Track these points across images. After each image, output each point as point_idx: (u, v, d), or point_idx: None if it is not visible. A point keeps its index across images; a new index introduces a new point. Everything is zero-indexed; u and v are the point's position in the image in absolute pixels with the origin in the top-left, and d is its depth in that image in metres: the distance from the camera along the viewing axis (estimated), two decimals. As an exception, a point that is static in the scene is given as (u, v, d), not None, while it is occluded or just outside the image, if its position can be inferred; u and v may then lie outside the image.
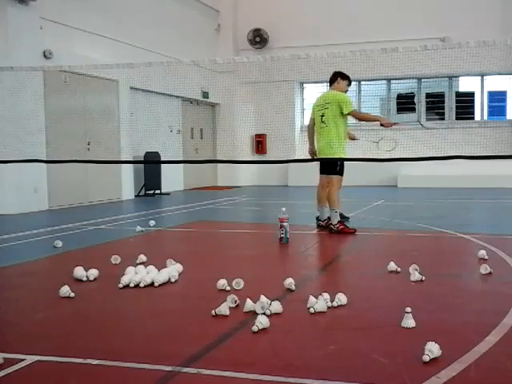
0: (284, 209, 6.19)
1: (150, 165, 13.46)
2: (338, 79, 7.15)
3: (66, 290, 3.95)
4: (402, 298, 3.84)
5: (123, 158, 11.76)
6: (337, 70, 7.32)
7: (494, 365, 2.65)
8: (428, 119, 17.15)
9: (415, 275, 4.27)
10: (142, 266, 4.60)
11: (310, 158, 7.40)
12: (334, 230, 6.93)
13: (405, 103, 17.33)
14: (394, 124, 7.06)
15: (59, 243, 6.11)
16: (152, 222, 7.87)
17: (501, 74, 16.16)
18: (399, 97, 17.46)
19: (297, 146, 17.09)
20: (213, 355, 2.81)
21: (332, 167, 7.04)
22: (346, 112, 6.84)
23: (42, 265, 5.44)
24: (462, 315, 3.49)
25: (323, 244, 6.60)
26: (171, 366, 2.63)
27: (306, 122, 17.57)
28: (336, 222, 6.94)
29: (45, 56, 10.34)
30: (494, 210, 10.32)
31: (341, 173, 7.10)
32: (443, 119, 17.03)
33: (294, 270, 4.95)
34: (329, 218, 7.19)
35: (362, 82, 17.38)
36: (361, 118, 7.32)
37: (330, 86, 7.24)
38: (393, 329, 3.14)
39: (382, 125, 6.92)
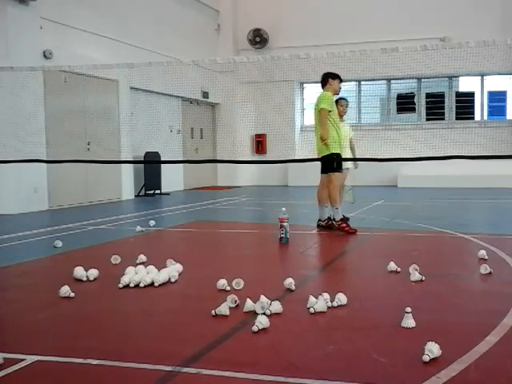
0: (284, 209, 6.19)
1: (150, 165, 13.46)
2: (330, 80, 7.14)
3: (65, 290, 3.95)
4: (402, 297, 3.84)
5: (123, 158, 11.75)
6: (325, 72, 7.31)
7: (494, 365, 2.65)
8: (428, 119, 17.15)
9: (415, 275, 4.27)
10: (141, 266, 4.60)
11: (309, 158, 7.42)
12: (335, 227, 6.95)
13: (405, 103, 17.33)
14: (324, 142, 6.82)
15: (59, 243, 6.11)
16: (152, 222, 7.87)
17: (501, 74, 16.16)
18: (399, 97, 17.45)
19: (297, 146, 17.09)
20: (213, 355, 2.81)
21: (329, 165, 7.03)
22: (317, 109, 6.89)
23: (42, 265, 5.44)
24: (461, 315, 3.49)
25: (323, 244, 6.60)
26: (171, 365, 2.63)
27: (306, 122, 17.71)
28: (338, 219, 6.96)
29: (45, 56, 10.34)
30: (493, 210, 10.32)
31: (339, 169, 7.09)
32: (443, 119, 17.03)
33: (294, 270, 4.94)
34: (329, 219, 7.20)
35: (362, 82, 17.37)
36: (321, 118, 6.93)
37: (322, 88, 7.22)
38: (393, 329, 3.14)
39: (321, 137, 6.84)
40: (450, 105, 16.98)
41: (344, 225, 6.92)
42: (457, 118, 16.88)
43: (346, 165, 7.82)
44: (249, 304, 3.47)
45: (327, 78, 7.18)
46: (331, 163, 7.00)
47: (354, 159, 7.87)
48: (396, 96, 17.46)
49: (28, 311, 3.73)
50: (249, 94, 16.96)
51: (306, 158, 9.32)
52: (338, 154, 6.96)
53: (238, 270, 4.77)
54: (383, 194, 13.11)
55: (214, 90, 16.23)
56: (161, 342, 3.02)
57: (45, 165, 10.01)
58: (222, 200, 12.34)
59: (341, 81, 7.24)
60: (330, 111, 6.91)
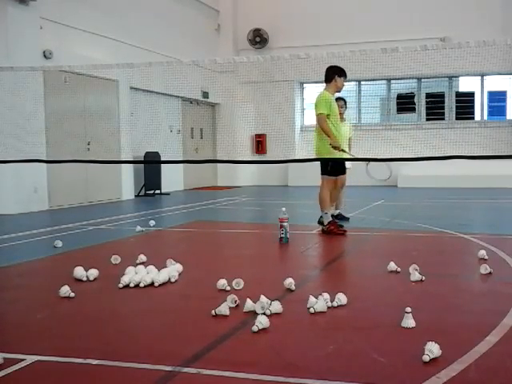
0: (284, 209, 6.19)
1: (150, 165, 13.46)
2: (336, 77, 6.79)
3: (65, 290, 3.95)
4: (402, 297, 3.85)
5: (123, 158, 11.75)
6: (331, 65, 6.91)
7: (494, 365, 2.65)
8: (428, 119, 17.15)
9: (415, 275, 4.27)
10: (141, 266, 4.60)
11: (309, 158, 7.40)
12: (325, 231, 6.86)
13: (405, 103, 17.33)
14: (340, 149, 6.64)
15: (59, 243, 6.11)
16: (152, 222, 7.87)
17: (501, 74, 16.16)
18: (399, 97, 17.45)
19: (297, 146, 17.08)
20: (213, 355, 2.81)
21: (323, 168, 6.93)
22: (316, 113, 6.70)
23: (42, 265, 5.44)
24: (462, 315, 3.49)
25: (323, 244, 6.60)
26: (171, 366, 2.63)
27: (306, 122, 17.71)
28: (326, 223, 6.86)
29: (45, 56, 10.34)
30: (493, 210, 10.32)
31: (332, 173, 6.93)
32: (443, 119, 17.03)
33: (294, 270, 4.94)
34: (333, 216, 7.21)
35: (362, 82, 17.37)
36: (322, 126, 6.67)
37: (326, 84, 6.91)
38: (393, 329, 3.14)
39: (331, 145, 6.61)
40: (450, 105, 16.98)
41: (332, 227, 6.80)
42: (457, 118, 16.88)
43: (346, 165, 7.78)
44: (249, 304, 3.47)
45: (334, 75, 6.80)
46: (325, 166, 6.87)
47: (356, 159, 7.84)
48: (396, 96, 17.46)
49: (28, 311, 3.73)
50: (249, 94, 16.96)
51: (305, 158, 9.32)
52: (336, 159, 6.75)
53: (238, 270, 4.77)
54: (383, 194, 13.11)
55: (214, 90, 16.22)
56: (161, 342, 3.02)
57: (45, 165, 10.01)
58: (222, 200, 12.33)
59: (346, 77, 6.90)
60: (328, 114, 6.65)
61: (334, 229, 6.79)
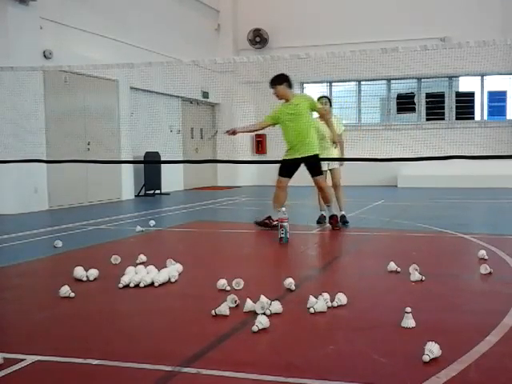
0: (284, 209, 6.20)
1: (150, 165, 13.46)
2: None
3: (65, 290, 3.95)
4: (402, 297, 3.85)
5: (123, 158, 11.75)
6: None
7: (494, 365, 2.65)
8: (428, 119, 17.15)
9: (415, 275, 4.27)
10: (142, 266, 4.60)
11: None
12: (258, 222, 7.17)
13: (405, 103, 17.33)
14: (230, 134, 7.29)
15: (59, 243, 6.11)
16: (152, 222, 7.87)
17: (501, 74, 16.16)
18: (399, 97, 17.45)
19: (297, 146, 17.07)
20: (213, 355, 2.81)
21: (280, 168, 7.42)
22: None
23: (42, 265, 5.44)
24: (462, 315, 3.49)
25: (323, 244, 6.60)
26: (171, 366, 2.63)
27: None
28: (266, 218, 7.09)
29: (45, 56, 10.34)
30: (493, 210, 10.32)
31: (280, 174, 7.31)
32: (443, 119, 17.03)
33: (294, 270, 4.94)
34: (329, 217, 7.24)
35: (362, 82, 17.37)
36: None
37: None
38: (393, 329, 3.14)
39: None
40: (450, 105, 16.98)
41: (267, 221, 7.07)
42: (457, 118, 16.87)
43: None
44: (249, 304, 3.47)
45: None
46: (280, 167, 7.33)
47: (356, 159, 7.84)
48: (396, 96, 17.45)
49: (28, 311, 3.72)
50: (249, 94, 16.94)
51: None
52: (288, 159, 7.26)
53: (238, 270, 4.76)
54: (383, 193, 13.11)
55: (213, 90, 16.22)
56: (161, 342, 3.02)
57: (45, 165, 10.00)
58: (222, 200, 12.33)
59: (270, 86, 7.45)
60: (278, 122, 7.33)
61: (334, 222, 7.08)
